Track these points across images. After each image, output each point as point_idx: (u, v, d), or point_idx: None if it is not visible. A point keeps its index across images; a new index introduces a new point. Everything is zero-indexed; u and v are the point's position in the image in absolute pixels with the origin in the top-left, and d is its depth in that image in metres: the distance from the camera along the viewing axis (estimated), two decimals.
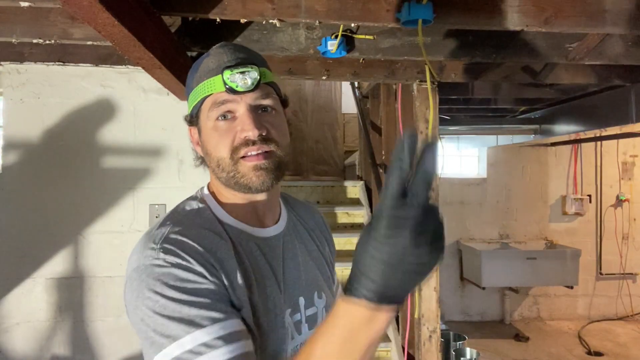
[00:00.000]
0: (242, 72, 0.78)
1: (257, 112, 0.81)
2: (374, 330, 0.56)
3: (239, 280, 0.75)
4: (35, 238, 2.42)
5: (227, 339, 0.67)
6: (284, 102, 0.88)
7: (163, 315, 0.67)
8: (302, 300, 0.87)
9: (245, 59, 0.82)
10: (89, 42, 1.97)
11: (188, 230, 0.76)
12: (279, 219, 0.91)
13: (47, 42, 1.98)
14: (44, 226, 2.42)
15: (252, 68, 0.80)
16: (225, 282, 0.73)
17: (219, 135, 0.80)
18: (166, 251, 0.71)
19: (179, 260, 0.71)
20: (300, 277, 0.89)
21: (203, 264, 0.72)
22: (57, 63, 2.43)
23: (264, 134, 0.79)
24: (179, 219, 0.80)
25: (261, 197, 0.85)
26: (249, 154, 0.79)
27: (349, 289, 0.55)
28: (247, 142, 0.79)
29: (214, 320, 0.68)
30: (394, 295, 0.54)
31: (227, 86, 0.79)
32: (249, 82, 0.79)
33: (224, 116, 0.80)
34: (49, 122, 2.45)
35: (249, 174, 0.79)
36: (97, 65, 2.47)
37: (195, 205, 0.84)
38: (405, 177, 0.51)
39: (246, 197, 0.84)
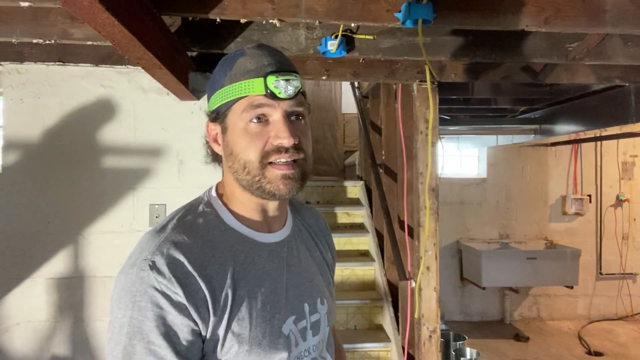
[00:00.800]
0: (286, 80, 0.78)
1: (291, 120, 0.80)
2: None
3: (229, 295, 0.76)
4: (35, 238, 2.42)
5: None
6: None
7: (126, 333, 0.72)
8: (306, 307, 0.87)
9: (286, 65, 0.82)
10: (89, 42, 1.97)
11: (184, 243, 0.76)
12: (285, 223, 0.91)
13: (47, 42, 1.98)
14: (44, 226, 2.42)
15: (295, 77, 0.80)
16: (208, 302, 0.74)
17: (250, 137, 0.79)
18: (152, 267, 0.72)
19: (161, 281, 0.71)
20: (304, 283, 0.88)
21: (185, 286, 0.72)
22: (57, 63, 2.43)
23: (296, 142, 0.79)
24: (180, 226, 0.79)
25: (274, 202, 0.85)
26: (279, 161, 0.78)
27: None
28: (280, 149, 0.78)
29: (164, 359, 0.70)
30: None
31: (269, 91, 0.77)
32: (291, 90, 0.79)
33: (258, 118, 0.79)
34: (49, 122, 2.45)
35: (276, 181, 0.79)
36: (97, 65, 2.47)
37: (200, 208, 0.84)
38: None
39: (261, 202, 0.84)
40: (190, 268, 0.73)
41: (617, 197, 5.59)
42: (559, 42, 2.21)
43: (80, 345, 2.44)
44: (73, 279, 2.44)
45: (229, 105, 0.81)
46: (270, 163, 0.79)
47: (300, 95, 0.81)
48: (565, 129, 3.95)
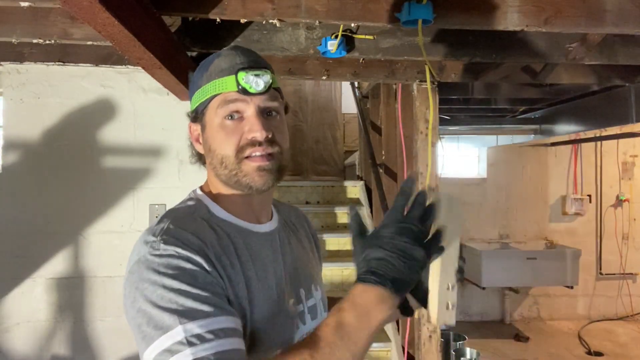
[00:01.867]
0: (256, 75, 0.81)
1: (264, 115, 0.83)
2: (384, 310, 0.68)
3: (236, 274, 0.78)
4: (35, 238, 2.42)
5: (219, 333, 0.67)
6: (286, 108, 0.90)
7: (158, 306, 0.68)
8: (302, 292, 0.91)
9: (258, 62, 0.85)
10: (89, 42, 1.97)
11: (186, 224, 0.78)
12: (272, 216, 0.95)
13: (47, 42, 1.98)
14: (44, 226, 2.42)
15: (265, 72, 0.82)
16: (223, 275, 0.75)
17: (225, 133, 0.82)
18: (166, 242, 0.73)
19: (179, 250, 0.72)
20: (298, 270, 0.92)
21: (202, 255, 0.73)
22: (57, 63, 2.43)
23: (270, 136, 0.81)
24: (177, 215, 0.82)
25: (258, 196, 0.88)
26: (254, 154, 0.81)
27: (364, 278, 0.69)
28: (254, 143, 0.81)
29: (209, 314, 0.68)
30: (399, 283, 0.68)
31: (240, 87, 0.81)
32: (262, 84, 0.81)
33: (231, 116, 0.82)
34: (49, 122, 2.45)
35: (252, 174, 0.82)
36: (97, 65, 2.47)
37: (191, 203, 0.87)
38: (405, 203, 0.72)
39: (243, 195, 0.86)
40: (200, 242, 0.75)
41: (617, 197, 5.59)
42: (559, 42, 2.21)
43: (80, 345, 2.44)
44: (73, 279, 2.44)
45: (205, 104, 0.84)
46: (247, 157, 0.81)
47: (273, 90, 0.84)
48: (565, 129, 3.95)
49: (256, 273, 0.81)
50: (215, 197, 0.88)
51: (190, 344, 0.65)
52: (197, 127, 0.88)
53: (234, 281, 0.77)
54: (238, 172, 0.82)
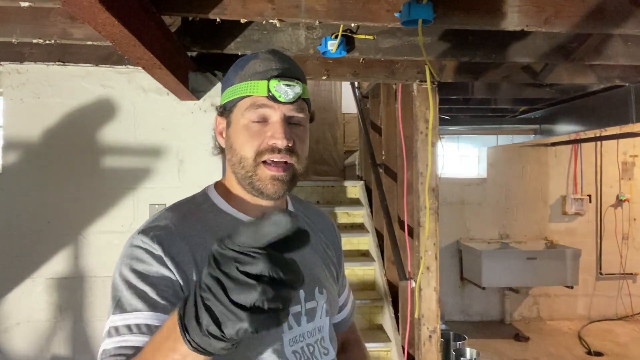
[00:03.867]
0: (287, 85, 0.83)
1: (289, 124, 0.85)
2: (170, 347, 0.56)
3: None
4: (35, 238, 2.42)
5: (133, 328, 0.72)
6: (311, 117, 0.92)
7: (112, 290, 0.78)
8: (302, 293, 0.90)
9: (292, 71, 0.86)
10: (89, 42, 1.97)
11: (174, 219, 0.83)
12: None
13: (47, 42, 1.98)
14: (44, 226, 2.42)
15: (297, 83, 0.84)
16: (188, 273, 0.77)
17: (249, 135, 0.84)
18: (142, 233, 0.80)
19: (148, 244, 0.77)
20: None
21: (168, 253, 0.77)
22: (57, 63, 2.43)
23: (290, 145, 0.83)
24: (174, 207, 0.87)
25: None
26: (271, 160, 0.83)
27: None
28: (273, 149, 0.83)
29: (137, 309, 0.73)
30: (191, 326, 0.51)
31: (270, 94, 0.82)
32: (291, 95, 0.83)
33: (257, 119, 0.84)
34: (49, 122, 2.45)
35: (265, 180, 0.84)
36: (97, 65, 2.47)
37: (196, 196, 0.91)
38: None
39: (249, 194, 0.89)
40: (177, 234, 0.79)
41: (617, 197, 5.59)
42: (559, 42, 2.21)
43: (80, 345, 2.44)
44: (73, 279, 2.44)
45: (234, 102, 0.86)
46: (264, 162, 0.83)
47: (301, 101, 0.86)
48: (565, 129, 3.95)
49: None
50: (229, 192, 0.91)
51: (108, 334, 0.74)
52: (222, 122, 0.90)
53: None
54: (253, 175, 0.84)
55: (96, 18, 1.23)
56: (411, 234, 2.77)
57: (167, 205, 0.90)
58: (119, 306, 0.75)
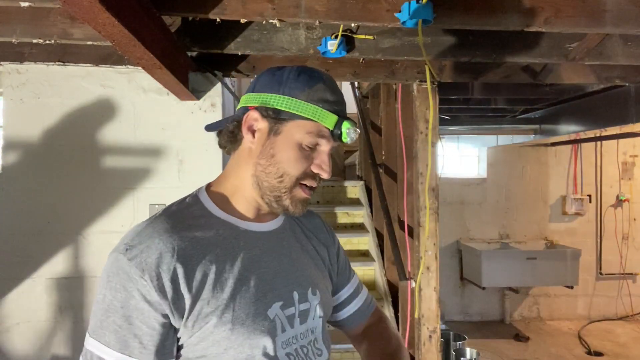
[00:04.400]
0: (355, 130, 0.87)
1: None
2: None
3: (211, 272, 0.80)
4: (35, 238, 2.42)
5: None
6: None
7: (95, 305, 0.79)
8: (295, 295, 0.89)
9: (348, 113, 0.91)
10: (89, 42, 1.97)
11: (163, 227, 0.81)
12: (276, 217, 0.96)
13: (47, 42, 1.98)
14: (44, 226, 2.42)
15: (357, 129, 0.88)
16: (183, 282, 0.77)
17: (301, 155, 0.85)
18: (129, 250, 0.79)
19: (132, 269, 0.76)
20: (294, 273, 0.91)
21: (153, 280, 0.76)
22: (57, 63, 2.43)
23: (330, 177, 0.89)
24: (163, 214, 0.85)
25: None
26: (309, 185, 0.88)
27: None
28: (315, 177, 0.88)
29: (108, 343, 0.76)
30: None
31: (339, 132, 0.86)
32: (353, 139, 0.88)
33: (312, 145, 0.86)
34: (49, 122, 2.45)
35: (297, 202, 0.87)
36: (97, 65, 2.47)
37: (187, 200, 0.89)
38: None
39: (261, 201, 0.89)
40: (165, 250, 0.77)
41: (617, 197, 5.59)
42: (559, 42, 2.21)
43: (80, 345, 2.41)
44: (73, 279, 2.44)
45: (294, 117, 0.85)
46: (301, 184, 0.87)
47: None
48: (565, 129, 3.95)
49: (236, 272, 0.82)
50: (228, 193, 0.90)
51: (84, 356, 0.78)
52: (264, 124, 0.86)
53: (200, 281, 0.78)
54: (288, 192, 0.86)
55: (96, 18, 1.23)
56: (411, 234, 2.77)
57: (160, 211, 0.87)
58: (95, 330, 0.77)
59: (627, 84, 2.76)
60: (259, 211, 0.91)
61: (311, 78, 0.87)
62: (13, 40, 2.00)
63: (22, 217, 2.42)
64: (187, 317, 0.78)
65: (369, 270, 3.52)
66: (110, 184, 2.47)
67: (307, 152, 0.86)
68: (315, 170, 0.87)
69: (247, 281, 0.83)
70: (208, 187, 0.93)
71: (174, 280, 0.76)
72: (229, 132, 0.91)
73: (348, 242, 3.69)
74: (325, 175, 0.87)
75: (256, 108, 0.87)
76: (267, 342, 0.81)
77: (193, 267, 0.78)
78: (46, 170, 2.43)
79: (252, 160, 0.88)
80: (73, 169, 2.45)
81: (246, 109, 0.88)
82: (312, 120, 0.84)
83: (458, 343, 3.70)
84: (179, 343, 0.80)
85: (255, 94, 0.88)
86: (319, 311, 0.93)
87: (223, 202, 0.89)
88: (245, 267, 0.84)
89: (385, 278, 3.35)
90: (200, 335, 0.78)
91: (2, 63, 2.41)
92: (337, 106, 0.87)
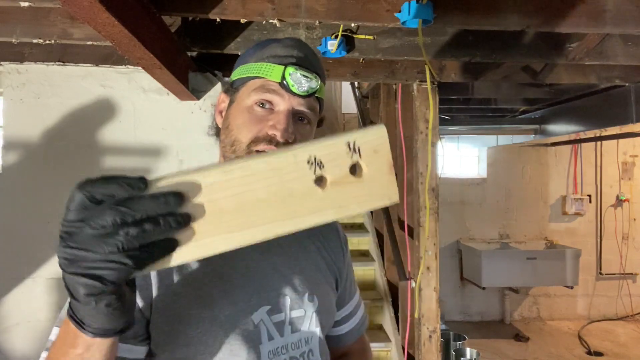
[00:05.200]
0: (304, 76, 0.76)
1: (295, 118, 0.78)
2: (70, 344, 0.54)
3: (187, 268, 0.73)
4: (35, 238, 2.42)
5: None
6: (320, 121, 0.86)
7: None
8: (287, 300, 0.81)
9: (313, 64, 0.80)
10: (89, 42, 1.97)
11: None
12: None
13: (47, 42, 1.98)
14: (44, 226, 2.42)
15: (315, 77, 0.77)
16: (154, 275, 0.71)
17: (249, 118, 0.77)
18: None
19: None
20: (289, 275, 0.83)
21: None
22: (57, 63, 2.43)
23: (289, 140, 0.75)
24: None
25: None
26: (266, 150, 0.75)
27: None
28: (271, 140, 0.75)
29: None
30: (73, 305, 0.50)
31: (284, 81, 0.76)
32: (305, 87, 0.76)
33: (263, 104, 0.77)
34: (49, 122, 2.45)
35: None
36: (97, 65, 2.47)
37: None
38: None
39: None
40: None
41: (617, 197, 5.59)
42: (559, 42, 2.21)
43: None
44: None
45: (244, 81, 0.80)
46: (258, 152, 0.75)
47: (314, 99, 0.80)
48: (565, 129, 3.95)
49: (216, 270, 0.75)
50: None
51: (46, 349, 0.69)
52: (226, 99, 0.83)
53: (175, 275, 0.72)
54: None
55: (96, 18, 1.23)
56: (411, 234, 2.77)
57: None
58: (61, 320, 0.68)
59: (627, 84, 2.76)
60: None
61: (267, 41, 0.82)
62: (13, 40, 2.00)
63: (22, 217, 2.42)
64: (156, 311, 0.71)
65: (369, 270, 3.52)
66: None
67: (260, 115, 0.76)
68: (268, 131, 0.75)
69: (230, 280, 0.76)
70: None
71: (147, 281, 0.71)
72: (215, 126, 0.87)
73: (348, 242, 3.69)
74: (278, 135, 0.74)
75: (223, 90, 0.84)
76: (249, 350, 0.73)
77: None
78: (46, 170, 2.43)
79: (221, 139, 0.82)
80: (73, 169, 2.45)
81: None
82: (259, 77, 0.78)
83: (458, 343, 3.70)
84: (151, 345, 0.71)
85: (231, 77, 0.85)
86: (315, 320, 0.83)
87: None
88: (230, 265, 0.77)
89: (385, 278, 3.35)
90: (170, 333, 0.71)
91: (2, 63, 2.41)
92: (288, 59, 0.77)
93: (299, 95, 0.76)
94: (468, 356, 3.57)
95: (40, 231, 2.42)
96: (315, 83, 0.77)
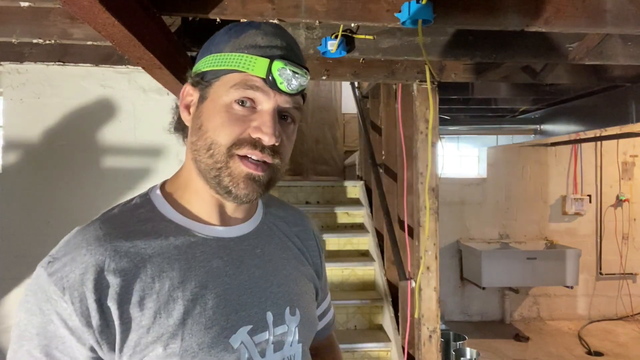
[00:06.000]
0: (294, 72, 0.68)
1: (280, 118, 0.70)
2: None
3: (153, 292, 0.65)
4: (35, 238, 2.42)
5: None
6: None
7: (17, 343, 0.67)
8: (269, 316, 0.73)
9: (300, 58, 0.71)
10: (89, 42, 1.97)
11: (95, 236, 0.69)
12: (249, 219, 0.79)
13: (47, 42, 1.98)
14: (44, 226, 2.42)
15: (304, 73, 0.69)
16: (115, 305, 0.63)
17: (229, 118, 0.67)
18: (51, 267, 0.67)
19: (51, 289, 0.65)
20: (269, 288, 0.75)
21: (75, 302, 0.62)
22: (57, 63, 2.43)
23: (277, 144, 0.68)
24: (100, 219, 0.72)
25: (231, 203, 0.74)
26: (251, 157, 0.68)
27: None
28: (256, 144, 0.67)
29: None
30: None
31: (271, 77, 0.67)
32: (295, 85, 0.68)
33: (243, 102, 0.68)
34: (49, 122, 2.45)
35: (238, 178, 0.68)
36: (97, 65, 2.47)
37: (133, 201, 0.74)
38: None
39: (217, 195, 0.72)
40: (92, 264, 0.64)
41: (617, 197, 5.60)
42: (559, 42, 2.21)
43: None
44: None
45: (218, 74, 0.69)
46: (241, 156, 0.68)
47: (300, 96, 0.72)
48: (565, 129, 3.95)
49: (187, 291, 0.66)
50: (182, 190, 0.74)
51: None
52: (194, 94, 0.73)
53: (139, 302, 0.64)
54: (224, 168, 0.67)
55: (96, 18, 1.23)
56: (411, 234, 2.77)
57: (99, 214, 0.73)
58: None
59: (627, 84, 2.76)
60: (223, 210, 0.74)
61: (242, 27, 0.71)
62: (13, 40, 2.00)
63: (22, 217, 2.42)
64: (121, 349, 0.62)
65: (369, 270, 3.52)
66: (111, 183, 2.47)
67: (241, 114, 0.67)
68: (253, 134, 0.67)
69: (203, 301, 0.67)
70: (163, 184, 0.77)
71: (101, 303, 0.62)
72: (174, 117, 0.79)
73: (348, 242, 3.69)
74: (266, 139, 0.66)
75: (190, 82, 0.73)
76: None
77: (128, 286, 0.63)
78: (46, 170, 2.43)
79: (190, 142, 0.73)
80: (73, 169, 2.45)
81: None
82: (238, 71, 0.68)
83: (458, 343, 3.70)
84: None
85: (195, 67, 0.74)
86: (297, 335, 0.76)
87: (179, 202, 0.73)
88: (202, 284, 0.68)
89: (385, 278, 3.35)
90: None
91: (2, 63, 2.41)
92: (273, 50, 0.68)
93: (286, 93, 0.68)
94: (468, 356, 3.57)
95: (40, 231, 2.42)
96: (304, 79, 0.69)
